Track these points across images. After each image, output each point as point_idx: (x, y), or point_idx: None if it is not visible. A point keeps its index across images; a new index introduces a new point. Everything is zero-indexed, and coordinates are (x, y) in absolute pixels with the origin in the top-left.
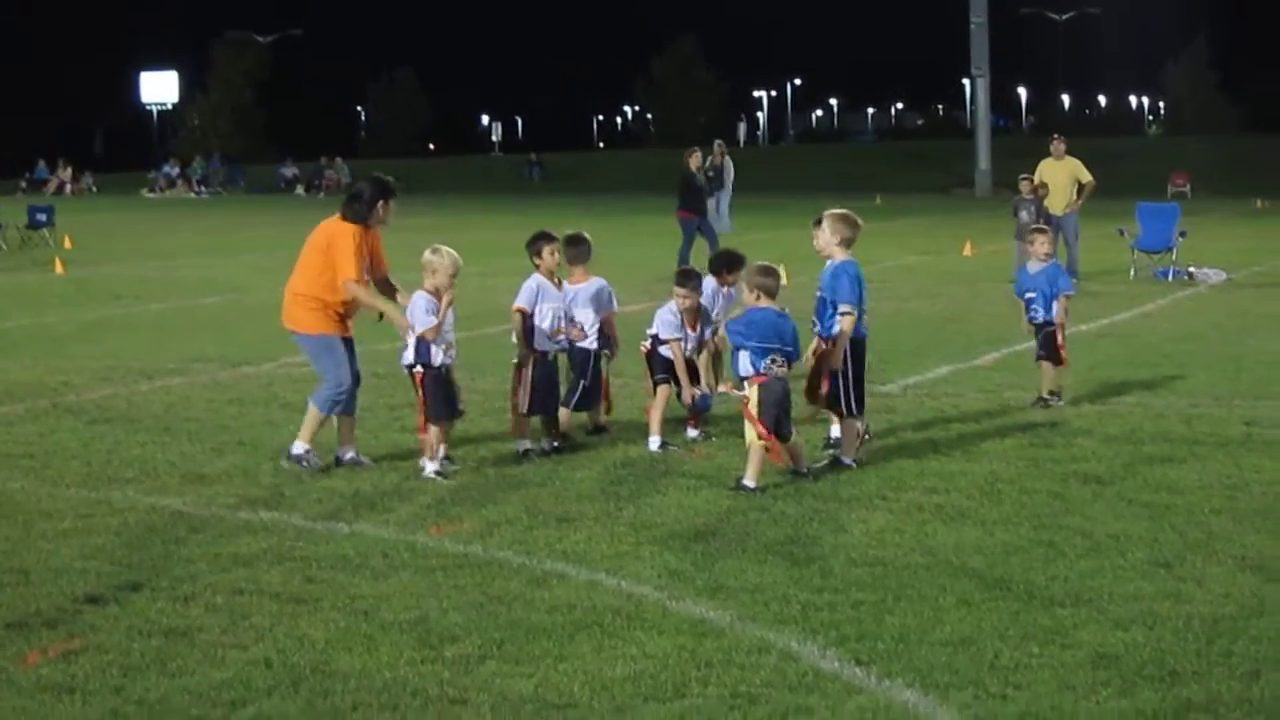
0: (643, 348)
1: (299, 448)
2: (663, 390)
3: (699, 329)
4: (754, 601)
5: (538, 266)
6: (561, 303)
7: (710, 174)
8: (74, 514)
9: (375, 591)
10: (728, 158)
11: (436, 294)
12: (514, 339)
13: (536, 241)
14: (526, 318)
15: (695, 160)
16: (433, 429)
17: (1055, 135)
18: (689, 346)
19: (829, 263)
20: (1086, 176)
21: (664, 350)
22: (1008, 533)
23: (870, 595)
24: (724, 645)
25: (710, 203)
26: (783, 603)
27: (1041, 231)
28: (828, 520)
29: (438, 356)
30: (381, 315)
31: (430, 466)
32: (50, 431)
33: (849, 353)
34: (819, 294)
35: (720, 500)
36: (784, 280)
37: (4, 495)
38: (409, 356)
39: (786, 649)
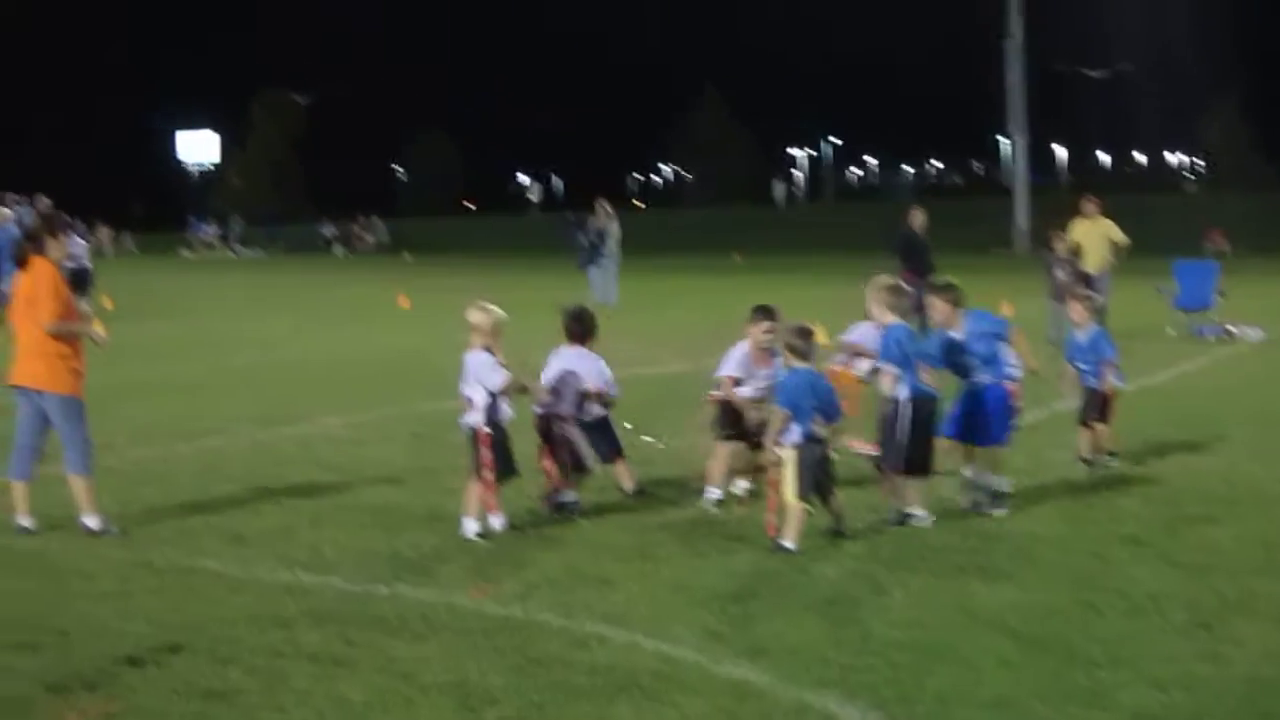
0: (712, 396)
1: (95, 521)
2: (728, 447)
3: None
4: (794, 663)
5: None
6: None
7: (594, 239)
8: (113, 575)
9: (414, 654)
10: (614, 221)
11: (489, 351)
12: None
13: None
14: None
15: (918, 220)
16: (476, 488)
17: (1087, 196)
18: (760, 385)
19: None
20: (1119, 236)
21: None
22: (1047, 593)
23: (910, 656)
24: (764, 707)
25: (594, 271)
26: (822, 664)
27: (1078, 298)
28: (867, 581)
29: (507, 414)
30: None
31: (471, 527)
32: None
33: (912, 412)
34: None
35: (760, 561)
36: (822, 340)
37: (43, 556)
38: (477, 417)
39: (826, 710)
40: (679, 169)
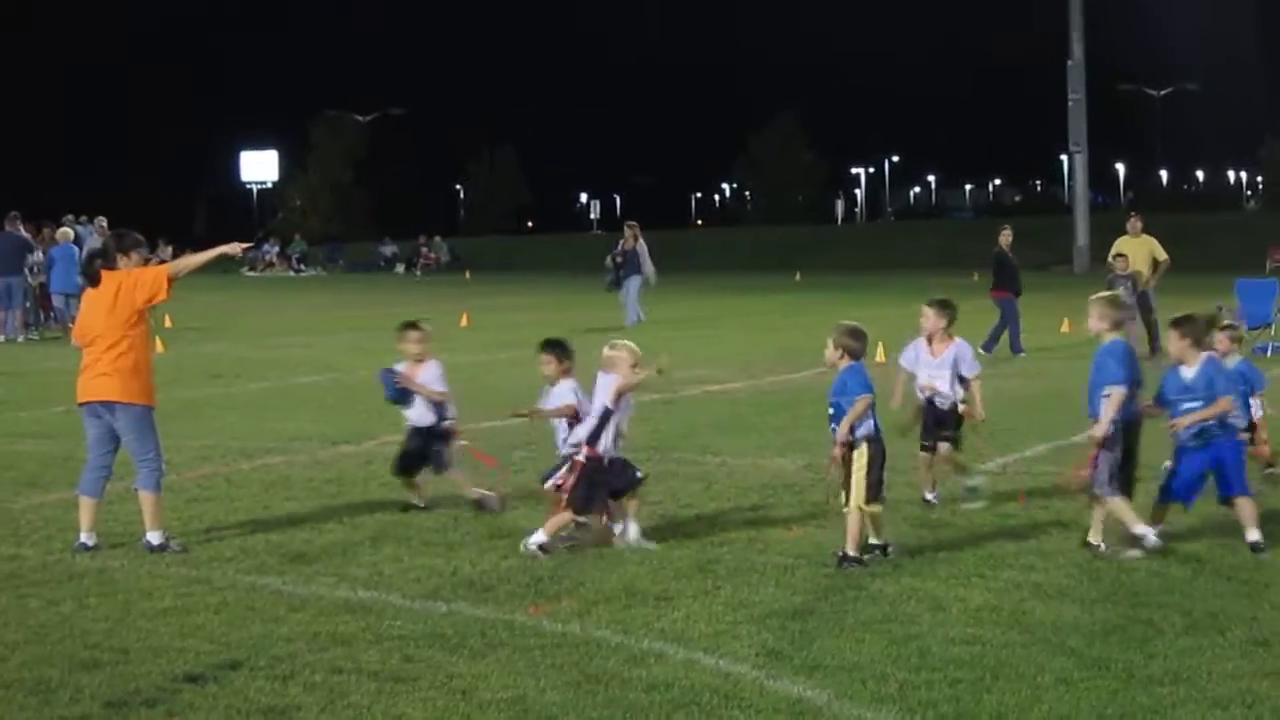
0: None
1: (158, 537)
2: (930, 454)
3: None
4: (851, 680)
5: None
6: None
7: (619, 259)
8: (173, 593)
9: (473, 671)
10: (641, 241)
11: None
12: None
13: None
14: None
15: (1006, 238)
16: (564, 516)
17: (1132, 213)
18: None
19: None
20: (1162, 254)
21: (941, 401)
22: (1106, 611)
23: (968, 674)
24: None
25: (621, 294)
26: (880, 681)
27: (1224, 328)
28: (925, 598)
29: (604, 442)
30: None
31: (535, 539)
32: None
33: (1124, 435)
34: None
35: (818, 578)
36: (880, 359)
37: (104, 574)
38: (580, 433)
39: None
40: (740, 187)
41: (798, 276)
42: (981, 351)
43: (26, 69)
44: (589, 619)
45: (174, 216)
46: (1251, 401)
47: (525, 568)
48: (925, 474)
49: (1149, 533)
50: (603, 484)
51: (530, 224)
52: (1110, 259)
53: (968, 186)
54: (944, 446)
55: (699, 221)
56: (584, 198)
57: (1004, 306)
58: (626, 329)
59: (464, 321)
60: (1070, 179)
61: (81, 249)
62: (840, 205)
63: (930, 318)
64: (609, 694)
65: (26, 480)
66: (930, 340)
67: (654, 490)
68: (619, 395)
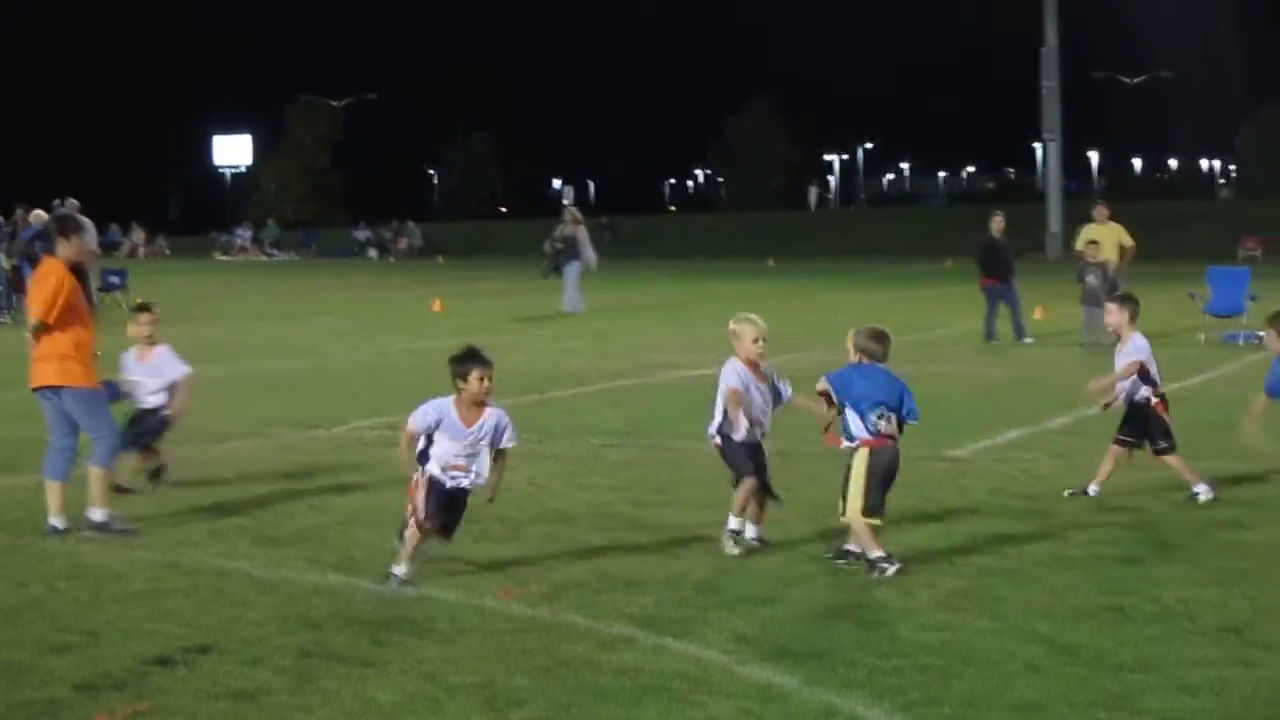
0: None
1: (100, 515)
2: (1120, 449)
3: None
4: (821, 666)
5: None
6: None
7: (559, 245)
8: (143, 576)
9: (442, 655)
10: (582, 227)
11: (749, 364)
12: None
13: None
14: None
15: (998, 225)
16: (744, 486)
17: (1099, 201)
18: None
19: None
20: (1129, 241)
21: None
22: (1076, 598)
23: (938, 660)
24: (790, 710)
25: (562, 280)
26: (849, 667)
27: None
28: (895, 585)
29: (740, 432)
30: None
31: (733, 523)
32: (121, 493)
33: None
34: None
35: (788, 565)
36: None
37: (74, 557)
38: (712, 426)
39: (853, 713)
40: (713, 174)
41: (771, 262)
42: (1020, 340)
43: None
44: (558, 603)
45: (147, 200)
46: None
47: (494, 552)
48: (1104, 466)
49: None
50: (740, 454)
51: (504, 209)
52: (1081, 247)
53: (941, 174)
54: (1171, 459)
55: (672, 207)
56: (557, 183)
57: (989, 294)
58: (564, 314)
59: (437, 307)
60: (1044, 166)
61: None
62: (814, 192)
63: (1114, 313)
64: (578, 678)
65: None
66: (1118, 335)
67: (625, 475)
68: (727, 401)
